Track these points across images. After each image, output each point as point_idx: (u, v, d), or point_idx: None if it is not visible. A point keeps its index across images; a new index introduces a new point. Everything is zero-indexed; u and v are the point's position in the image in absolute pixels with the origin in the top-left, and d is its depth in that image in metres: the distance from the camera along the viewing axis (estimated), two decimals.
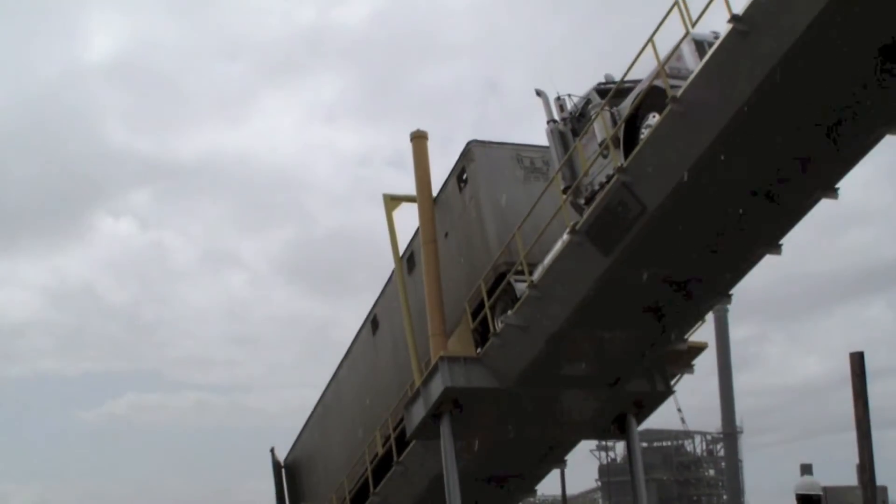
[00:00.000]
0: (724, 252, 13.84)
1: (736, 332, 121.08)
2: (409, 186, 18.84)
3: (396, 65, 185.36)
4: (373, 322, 21.25)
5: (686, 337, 16.20)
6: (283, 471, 25.81)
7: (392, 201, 18.88)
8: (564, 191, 14.82)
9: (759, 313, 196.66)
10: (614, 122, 13.68)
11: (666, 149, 12.38)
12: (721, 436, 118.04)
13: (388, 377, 19.68)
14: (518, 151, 17.07)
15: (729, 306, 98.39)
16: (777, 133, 11.62)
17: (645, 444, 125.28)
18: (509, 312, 15.44)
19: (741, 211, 13.19)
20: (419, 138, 17.81)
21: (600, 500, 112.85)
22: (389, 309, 20.09)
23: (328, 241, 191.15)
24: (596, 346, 15.31)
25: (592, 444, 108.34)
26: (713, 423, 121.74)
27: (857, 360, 15.61)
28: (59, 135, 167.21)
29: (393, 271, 19.84)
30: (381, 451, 19.50)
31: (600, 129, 14.08)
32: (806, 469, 23.78)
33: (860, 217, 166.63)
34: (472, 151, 17.28)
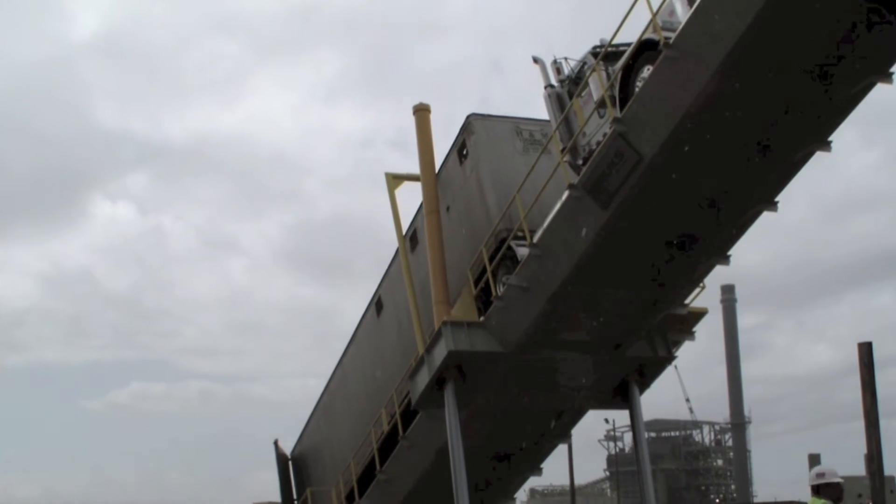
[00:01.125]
0: (722, 207, 13.83)
1: (743, 321, 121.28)
2: (412, 167, 19.02)
3: (396, 42, 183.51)
4: (377, 304, 21.28)
5: (686, 302, 16.16)
6: (291, 463, 25.55)
7: (394, 180, 19.05)
8: (563, 151, 14.86)
9: (767, 301, 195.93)
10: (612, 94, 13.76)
11: (660, 96, 12.41)
12: (729, 426, 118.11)
13: (392, 357, 19.71)
14: (517, 125, 17.22)
15: (736, 297, 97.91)
16: (769, 75, 11.66)
17: (653, 434, 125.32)
18: (511, 275, 15.49)
19: (737, 161, 13.17)
20: (422, 111, 18.00)
21: (608, 490, 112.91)
22: (393, 290, 20.15)
23: (330, 225, 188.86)
24: (596, 307, 15.24)
25: (601, 434, 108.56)
26: (721, 413, 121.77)
27: (866, 351, 15.69)
28: (48, 117, 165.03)
29: (396, 252, 19.96)
30: (386, 428, 19.46)
31: (596, 86, 14.16)
32: (814, 459, 23.81)
33: (869, 203, 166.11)
34: (472, 124, 17.46)
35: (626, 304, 15.25)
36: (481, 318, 16.23)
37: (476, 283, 16.74)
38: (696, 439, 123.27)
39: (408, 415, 18.54)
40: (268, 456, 25.05)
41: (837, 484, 10.60)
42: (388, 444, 19.62)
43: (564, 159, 14.88)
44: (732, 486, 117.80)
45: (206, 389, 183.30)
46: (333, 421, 23.11)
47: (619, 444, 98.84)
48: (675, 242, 14.35)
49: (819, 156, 13.41)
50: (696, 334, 17.08)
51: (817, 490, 10.62)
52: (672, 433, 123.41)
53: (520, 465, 19.29)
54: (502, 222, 16.17)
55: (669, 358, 16.92)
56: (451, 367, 15.90)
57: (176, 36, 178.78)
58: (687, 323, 16.81)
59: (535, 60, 15.53)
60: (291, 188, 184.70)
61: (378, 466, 19.76)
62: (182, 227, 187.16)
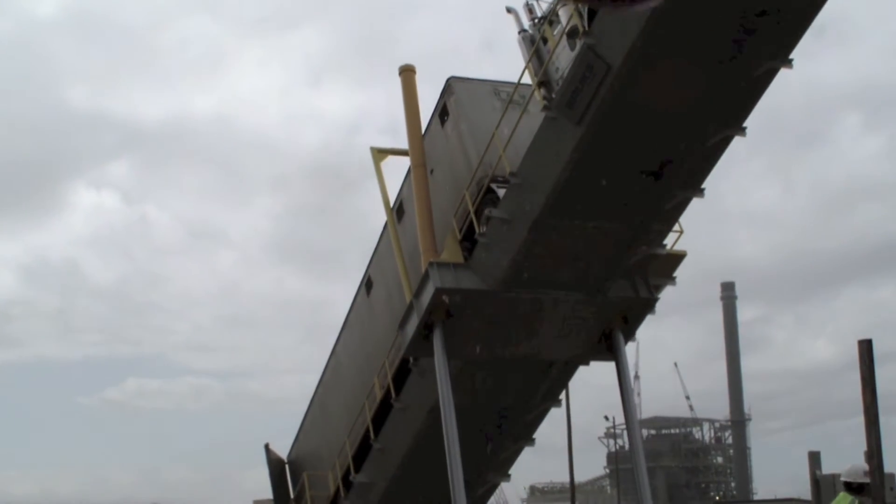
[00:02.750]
0: (691, 127, 14.19)
1: (741, 314, 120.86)
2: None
3: (385, 16, 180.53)
4: (367, 284, 21.51)
5: (665, 243, 16.63)
6: (287, 467, 25.02)
7: (379, 154, 19.62)
8: (538, 86, 15.19)
9: (766, 294, 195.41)
10: (579, 13, 14.15)
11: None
12: (729, 423, 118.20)
13: (384, 332, 19.74)
14: (496, 87, 17.66)
15: (736, 293, 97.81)
16: None
17: (653, 432, 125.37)
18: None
19: (702, 75, 13.59)
20: (407, 72, 18.49)
21: (609, 488, 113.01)
22: (382, 265, 20.43)
23: (320, 216, 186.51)
24: (576, 241, 15.53)
25: (601, 431, 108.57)
26: (721, 410, 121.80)
27: (866, 348, 15.62)
28: (18, 101, 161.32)
29: (383, 229, 20.29)
30: (379, 395, 19.54)
31: (566, 15, 14.63)
32: (814, 457, 23.67)
33: (871, 191, 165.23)
34: (452, 86, 18.03)
35: (605, 237, 15.53)
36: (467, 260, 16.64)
37: (461, 231, 17.11)
38: (696, 437, 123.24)
39: (401, 381, 18.75)
40: (262, 453, 24.65)
41: (864, 484, 10.76)
42: (383, 417, 19.74)
43: (541, 95, 15.18)
44: (732, 484, 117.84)
45: (201, 386, 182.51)
46: (329, 415, 23.01)
47: (619, 441, 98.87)
48: (648, 171, 14.67)
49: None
50: (676, 279, 17.48)
51: (861, 488, 10.66)
52: (672, 430, 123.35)
53: (513, 429, 19.20)
54: (482, 168, 16.54)
55: (651, 300, 17.12)
56: (439, 309, 16.21)
57: (150, 12, 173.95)
58: (667, 266, 17.21)
59: (509, 10, 16.00)
60: (277, 175, 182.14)
61: (372, 436, 19.87)
62: (167, 217, 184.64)
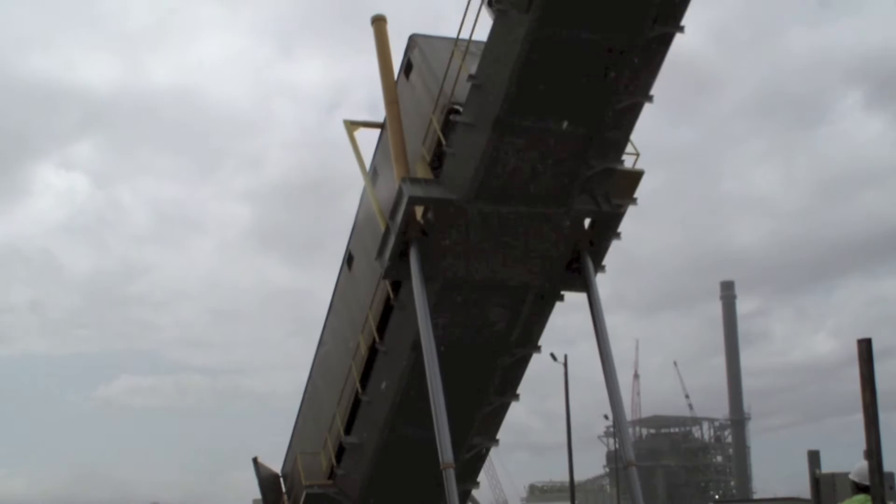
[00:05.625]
0: (631, 17, 14.66)
1: (740, 307, 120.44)
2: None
3: None
4: (348, 260, 21.69)
5: (622, 159, 17.11)
6: (283, 480, 24.09)
7: (352, 125, 20.34)
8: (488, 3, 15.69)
9: (764, 285, 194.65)
10: None
11: None
12: (729, 422, 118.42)
13: (367, 293, 19.88)
14: (457, 42, 17.98)
15: (735, 293, 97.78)
16: None
17: (653, 431, 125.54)
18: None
19: None
20: (379, 21, 19.03)
21: (608, 487, 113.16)
22: (362, 237, 20.68)
23: (300, 199, 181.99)
24: (538, 145, 15.99)
25: (600, 430, 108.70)
26: (720, 408, 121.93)
27: (865, 347, 15.58)
28: None
29: (360, 202, 20.82)
30: (364, 349, 19.63)
31: None
32: (814, 456, 23.62)
33: (872, 177, 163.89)
34: (415, 40, 18.84)
35: (564, 142, 16.02)
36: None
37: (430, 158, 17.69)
38: (696, 435, 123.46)
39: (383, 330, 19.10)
40: (258, 451, 24.01)
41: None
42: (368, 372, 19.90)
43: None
44: (732, 483, 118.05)
45: (194, 383, 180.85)
46: (321, 410, 22.69)
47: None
48: (597, 67, 15.13)
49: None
50: (637, 200, 17.88)
51: (869, 489, 10.58)
52: (671, 429, 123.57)
53: (495, 382, 19.23)
54: (443, 98, 17.05)
55: (614, 214, 17.53)
56: (413, 225, 16.81)
57: None
58: (628, 185, 17.70)
59: None
60: (250, 154, 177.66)
61: (360, 391, 19.87)
62: (139, 201, 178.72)
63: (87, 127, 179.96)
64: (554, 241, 17.48)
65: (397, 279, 17.95)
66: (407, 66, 19.07)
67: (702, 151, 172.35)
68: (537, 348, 19.23)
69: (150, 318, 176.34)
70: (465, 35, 16.52)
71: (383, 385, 19.28)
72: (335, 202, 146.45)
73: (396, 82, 18.93)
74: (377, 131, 20.38)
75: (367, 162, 20.21)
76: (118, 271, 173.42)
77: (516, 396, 19.73)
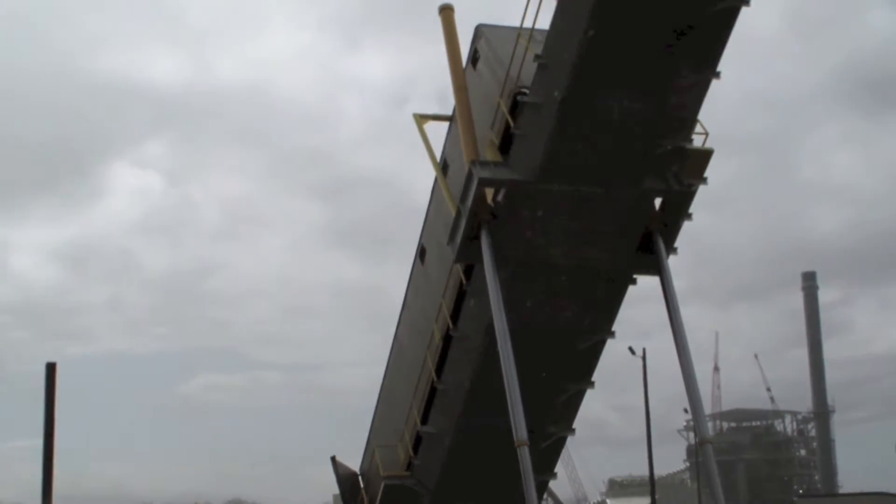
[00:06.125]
0: None
1: (821, 297, 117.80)
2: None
3: None
4: (420, 253, 21.79)
5: (691, 138, 16.92)
6: (361, 479, 24.20)
7: (421, 119, 20.55)
8: None
9: (846, 275, 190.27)
10: None
11: None
12: (812, 415, 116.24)
13: (439, 285, 19.96)
14: (520, 31, 17.96)
15: (818, 283, 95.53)
16: None
17: (734, 424, 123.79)
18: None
19: None
20: (446, 10, 19.15)
21: (689, 481, 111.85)
22: (434, 229, 20.78)
23: (369, 195, 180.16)
24: (605, 123, 15.83)
25: (680, 423, 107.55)
26: (802, 400, 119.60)
27: None
28: (43, 72, 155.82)
29: (431, 195, 21.02)
30: (438, 338, 19.76)
31: None
32: None
33: None
34: (481, 30, 19.08)
35: (631, 120, 15.82)
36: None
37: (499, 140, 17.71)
38: (778, 429, 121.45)
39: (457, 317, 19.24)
40: (334, 448, 24.46)
41: None
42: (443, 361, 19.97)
43: None
44: (816, 477, 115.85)
45: (271, 379, 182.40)
46: (397, 402, 22.64)
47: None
48: (662, 42, 14.93)
49: None
50: (707, 179, 17.55)
51: None
52: (753, 423, 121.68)
53: (570, 368, 19.18)
54: (509, 83, 17.09)
55: (685, 192, 17.27)
56: (483, 207, 16.85)
57: None
58: (697, 164, 17.47)
59: None
60: (318, 149, 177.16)
61: (435, 379, 20.00)
62: (210, 198, 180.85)
63: (159, 125, 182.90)
64: (624, 222, 17.34)
65: (469, 262, 18.05)
66: (473, 57, 19.19)
67: (779, 137, 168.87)
68: (611, 334, 19.08)
69: (226, 316, 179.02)
70: (528, 24, 16.47)
71: (458, 372, 19.37)
72: (405, 196, 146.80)
73: (464, 70, 19.03)
74: (446, 124, 20.45)
75: (437, 155, 20.29)
76: (193, 269, 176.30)
77: (591, 384, 19.59)
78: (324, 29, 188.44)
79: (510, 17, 17.54)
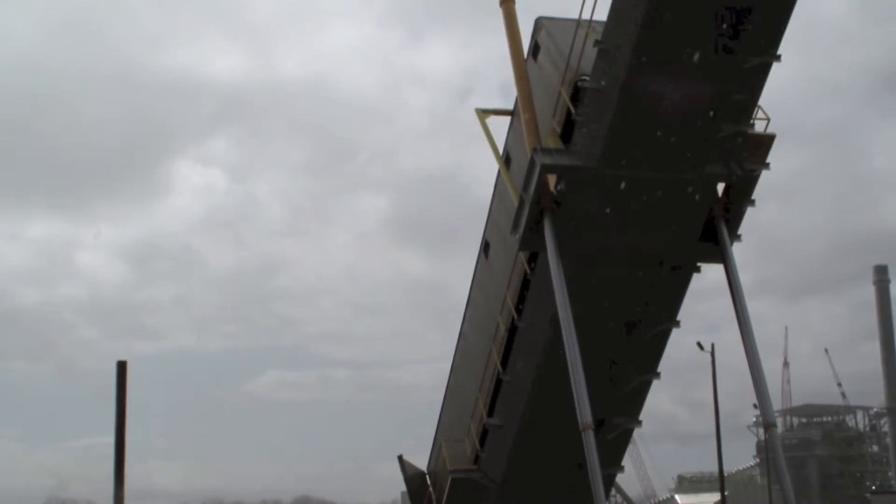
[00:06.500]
0: None
1: (893, 291, 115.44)
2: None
3: None
4: (484, 248, 21.94)
5: (752, 123, 16.80)
6: (429, 478, 24.27)
7: (483, 114, 20.60)
8: None
9: None
10: None
11: None
12: (885, 410, 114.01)
13: (504, 277, 20.07)
14: (580, 22, 17.89)
15: (889, 277, 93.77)
16: None
17: (804, 420, 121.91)
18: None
19: None
20: (508, 3, 19.19)
21: (759, 478, 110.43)
22: (497, 224, 20.90)
23: (433, 189, 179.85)
24: (666, 106, 15.78)
25: (749, 419, 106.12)
26: (874, 394, 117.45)
27: None
28: (103, 69, 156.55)
29: (494, 189, 21.12)
30: (504, 330, 19.90)
31: None
32: None
33: None
34: (541, 22, 19.21)
35: (690, 103, 15.77)
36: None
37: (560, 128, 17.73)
38: (850, 424, 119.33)
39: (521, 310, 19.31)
40: (401, 446, 24.43)
41: None
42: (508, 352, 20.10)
43: None
44: (890, 474, 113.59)
45: (338, 377, 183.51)
46: (464, 397, 22.81)
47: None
48: (722, 26, 14.83)
49: None
50: (770, 164, 17.43)
51: None
52: (824, 418, 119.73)
53: (635, 357, 19.17)
54: (569, 72, 17.17)
55: (747, 178, 17.17)
56: (546, 194, 16.91)
57: None
58: (759, 150, 17.31)
59: None
60: (382, 144, 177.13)
61: (501, 371, 20.13)
62: (274, 194, 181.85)
63: (221, 121, 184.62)
64: (686, 208, 17.22)
65: (533, 250, 18.11)
66: (534, 49, 19.23)
67: (849, 126, 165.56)
68: (676, 323, 18.99)
69: (292, 313, 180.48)
70: (586, 15, 16.46)
71: (523, 363, 19.41)
72: (469, 191, 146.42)
73: (525, 61, 19.04)
74: (508, 119, 20.50)
75: (500, 149, 20.36)
76: (258, 266, 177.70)
77: (657, 374, 19.53)
78: (386, 22, 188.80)
79: (570, 9, 17.42)
